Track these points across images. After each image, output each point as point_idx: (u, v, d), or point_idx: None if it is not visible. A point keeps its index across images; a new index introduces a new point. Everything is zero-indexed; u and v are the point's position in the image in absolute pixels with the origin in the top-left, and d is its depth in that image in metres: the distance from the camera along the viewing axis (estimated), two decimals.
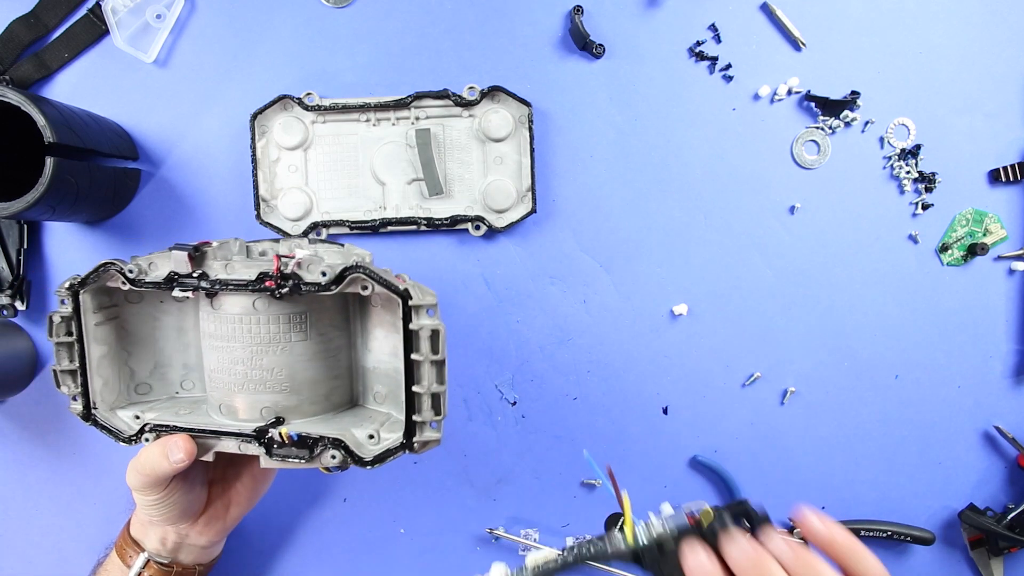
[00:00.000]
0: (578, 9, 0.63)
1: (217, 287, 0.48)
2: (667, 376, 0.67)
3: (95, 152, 0.59)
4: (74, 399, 0.53)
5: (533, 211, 0.65)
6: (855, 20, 0.65)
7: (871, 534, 0.66)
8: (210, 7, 0.64)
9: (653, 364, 0.67)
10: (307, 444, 0.47)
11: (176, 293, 0.49)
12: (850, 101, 0.64)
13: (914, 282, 0.67)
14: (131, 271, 0.49)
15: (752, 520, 0.41)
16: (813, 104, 0.65)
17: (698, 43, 0.65)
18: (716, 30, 0.65)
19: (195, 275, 0.48)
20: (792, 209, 0.66)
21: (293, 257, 0.47)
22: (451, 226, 0.65)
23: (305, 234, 0.64)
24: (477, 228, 0.65)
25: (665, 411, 0.67)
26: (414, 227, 0.65)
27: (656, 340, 0.67)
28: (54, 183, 0.53)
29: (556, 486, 0.68)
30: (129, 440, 0.52)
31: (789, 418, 0.67)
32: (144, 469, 0.49)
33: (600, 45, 0.64)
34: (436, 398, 0.46)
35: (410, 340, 0.46)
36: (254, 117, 0.63)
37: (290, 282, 0.47)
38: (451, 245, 0.66)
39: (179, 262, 0.48)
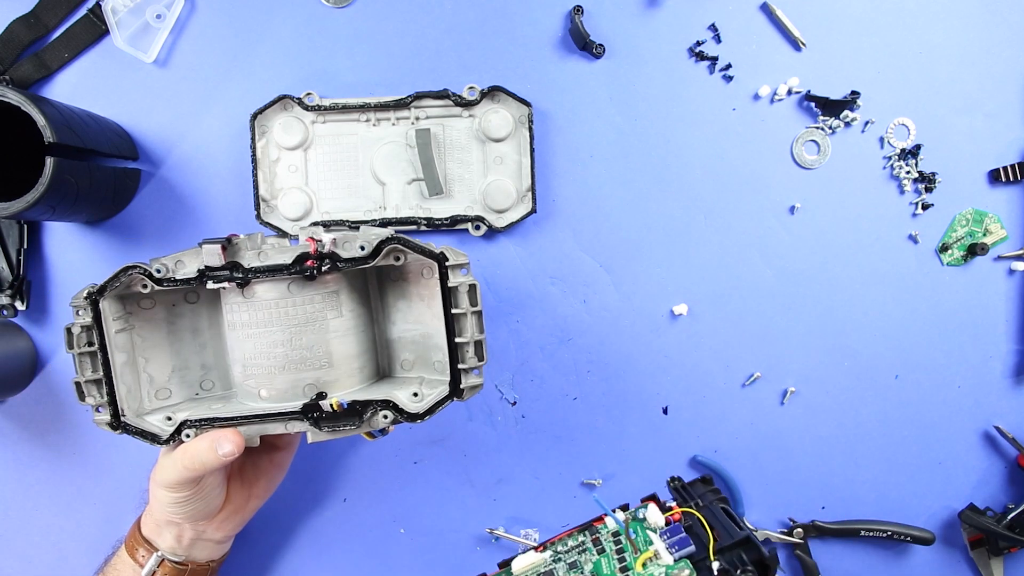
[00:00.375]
0: (578, 9, 0.63)
1: (254, 275, 0.50)
2: (667, 376, 0.67)
3: (95, 152, 0.59)
4: (97, 410, 0.52)
5: (533, 211, 0.65)
6: (855, 20, 0.65)
7: (871, 534, 0.66)
8: (210, 7, 0.64)
9: (653, 364, 0.67)
10: (356, 411, 0.50)
11: (210, 285, 0.50)
12: (850, 101, 0.64)
13: (914, 282, 0.67)
14: (158, 271, 0.50)
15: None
16: (813, 104, 0.65)
17: (698, 43, 0.65)
18: (716, 30, 0.65)
19: (227, 267, 0.50)
20: (792, 209, 0.66)
21: (321, 241, 0.50)
22: (451, 226, 0.65)
23: None
24: (477, 228, 0.65)
25: (665, 411, 0.67)
26: (414, 227, 0.65)
27: (656, 340, 0.67)
28: (54, 183, 0.53)
29: (556, 486, 0.68)
30: (168, 440, 0.52)
31: (789, 418, 0.67)
32: (193, 464, 0.49)
33: (600, 45, 0.64)
34: (478, 345, 0.51)
35: (448, 297, 0.50)
36: (254, 117, 0.63)
37: (327, 260, 0.50)
38: (451, 245, 0.66)
39: (212, 255, 0.49)
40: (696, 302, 0.67)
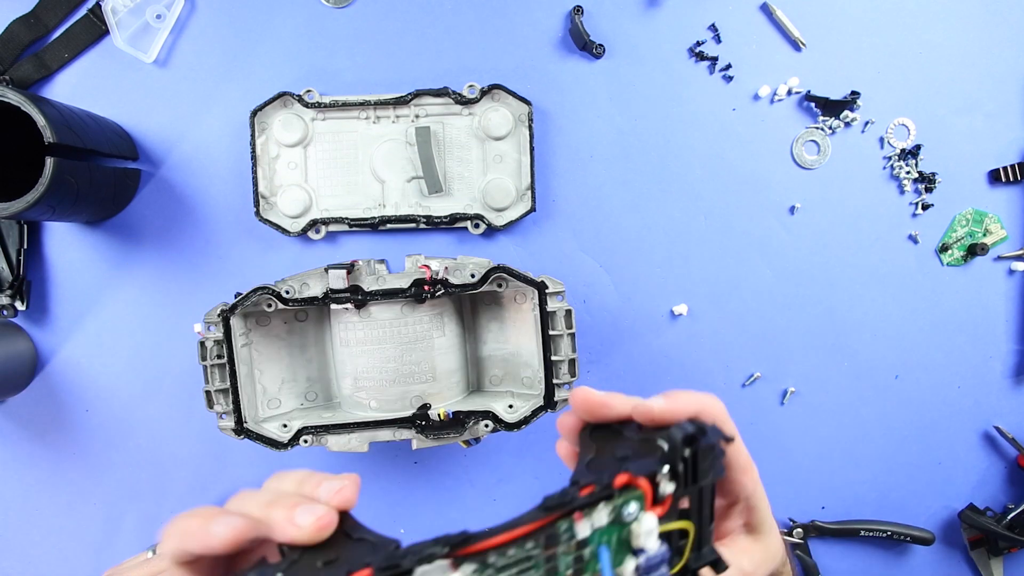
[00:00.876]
0: (578, 9, 0.63)
1: (372, 297, 0.56)
2: (667, 376, 0.67)
3: (95, 152, 0.59)
4: (221, 416, 0.57)
5: (532, 209, 0.65)
6: (855, 20, 0.65)
7: (871, 534, 0.66)
8: (210, 7, 0.64)
9: (653, 364, 0.67)
10: (460, 421, 0.57)
11: (334, 306, 0.57)
12: (850, 101, 0.64)
13: (914, 282, 0.67)
14: (287, 292, 0.56)
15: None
16: (813, 104, 0.65)
17: (698, 43, 0.65)
18: (716, 30, 0.65)
19: (349, 289, 0.56)
20: (792, 209, 0.66)
21: (427, 268, 0.57)
22: (450, 224, 0.65)
23: (304, 231, 0.64)
24: (476, 226, 0.65)
25: None
26: (413, 225, 0.65)
27: (656, 340, 0.67)
28: (54, 183, 0.53)
29: (556, 487, 0.67)
30: (287, 445, 0.57)
31: (789, 418, 0.67)
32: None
33: (600, 45, 0.64)
34: (572, 363, 0.58)
35: (546, 320, 0.57)
36: (254, 114, 0.63)
37: (439, 286, 0.56)
38: (450, 243, 0.66)
39: (337, 279, 0.55)
40: (696, 302, 0.67)
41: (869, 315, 0.67)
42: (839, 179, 0.66)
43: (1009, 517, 0.64)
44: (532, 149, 0.64)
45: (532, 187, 0.64)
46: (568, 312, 0.57)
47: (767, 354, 0.67)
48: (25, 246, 0.64)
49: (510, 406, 0.59)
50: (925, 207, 0.66)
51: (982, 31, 0.65)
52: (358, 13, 0.65)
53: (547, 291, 0.57)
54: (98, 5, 0.63)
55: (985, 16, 0.65)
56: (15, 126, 0.55)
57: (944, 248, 0.66)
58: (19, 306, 0.64)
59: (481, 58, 0.65)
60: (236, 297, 0.56)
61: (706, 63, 0.65)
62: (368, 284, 0.56)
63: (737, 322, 0.67)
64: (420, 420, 0.57)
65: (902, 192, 0.66)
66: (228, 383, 0.57)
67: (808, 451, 0.67)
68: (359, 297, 0.56)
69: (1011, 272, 0.67)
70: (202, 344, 0.56)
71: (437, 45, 0.65)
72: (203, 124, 0.65)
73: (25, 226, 0.64)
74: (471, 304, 0.63)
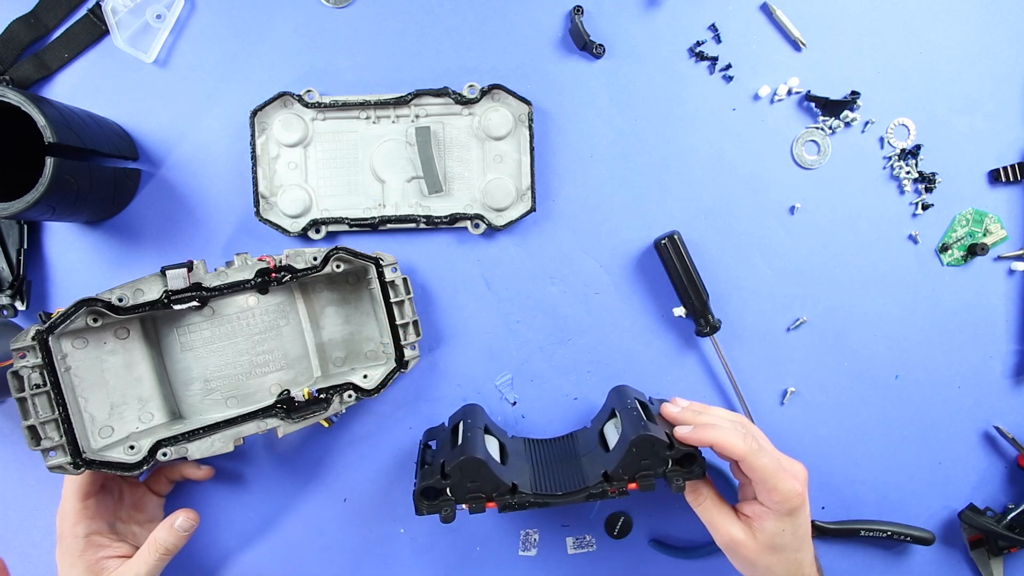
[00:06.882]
0: (578, 9, 0.63)
1: (218, 292, 0.55)
2: (666, 377, 0.67)
3: (95, 152, 0.59)
4: (47, 453, 0.51)
5: (532, 209, 0.65)
6: (855, 20, 0.65)
7: (871, 534, 0.66)
8: (210, 7, 0.64)
9: (653, 364, 0.67)
10: (323, 398, 0.59)
11: (177, 307, 0.55)
12: (850, 101, 0.64)
13: (914, 282, 0.67)
14: (120, 299, 0.53)
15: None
16: (813, 104, 0.65)
17: (698, 43, 0.65)
18: (716, 30, 0.65)
19: (191, 288, 0.55)
20: (792, 209, 0.66)
21: (269, 258, 0.57)
22: (450, 224, 0.65)
23: (304, 231, 0.64)
24: (476, 226, 0.65)
25: None
26: (413, 225, 0.65)
27: (656, 340, 0.67)
28: (54, 183, 0.53)
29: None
30: (140, 465, 0.54)
31: (789, 418, 0.67)
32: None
33: (600, 45, 0.64)
34: (416, 324, 0.62)
35: (387, 289, 0.60)
36: (254, 114, 0.63)
37: (284, 272, 0.57)
38: (450, 243, 0.66)
39: (177, 279, 0.55)
40: None
41: (869, 315, 0.67)
42: (839, 179, 0.66)
43: (1009, 517, 0.64)
44: (532, 149, 0.64)
45: (532, 187, 0.64)
46: (405, 279, 0.61)
47: (767, 354, 0.67)
48: (25, 246, 0.64)
49: (364, 376, 0.61)
50: (925, 207, 0.66)
51: (982, 31, 0.65)
52: (358, 13, 0.65)
53: (383, 263, 0.60)
54: (98, 5, 0.63)
55: (985, 16, 0.65)
56: (15, 126, 0.55)
57: (944, 248, 0.66)
58: (19, 306, 0.64)
59: (481, 58, 0.65)
60: (50, 315, 0.52)
61: (706, 63, 0.65)
62: (210, 280, 0.56)
63: (737, 322, 0.67)
64: (284, 404, 0.58)
65: (902, 192, 0.66)
66: (56, 412, 0.51)
67: (808, 451, 0.67)
68: (202, 294, 0.55)
69: (1011, 272, 0.67)
70: (15, 374, 0.50)
71: (437, 45, 0.65)
72: (203, 124, 0.65)
73: (25, 226, 0.64)
74: (303, 294, 0.62)
